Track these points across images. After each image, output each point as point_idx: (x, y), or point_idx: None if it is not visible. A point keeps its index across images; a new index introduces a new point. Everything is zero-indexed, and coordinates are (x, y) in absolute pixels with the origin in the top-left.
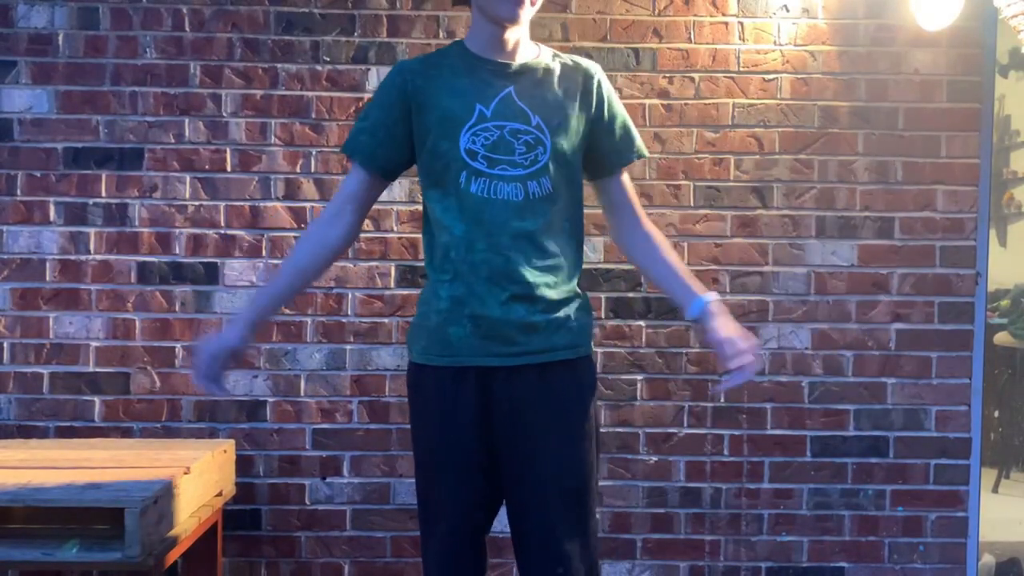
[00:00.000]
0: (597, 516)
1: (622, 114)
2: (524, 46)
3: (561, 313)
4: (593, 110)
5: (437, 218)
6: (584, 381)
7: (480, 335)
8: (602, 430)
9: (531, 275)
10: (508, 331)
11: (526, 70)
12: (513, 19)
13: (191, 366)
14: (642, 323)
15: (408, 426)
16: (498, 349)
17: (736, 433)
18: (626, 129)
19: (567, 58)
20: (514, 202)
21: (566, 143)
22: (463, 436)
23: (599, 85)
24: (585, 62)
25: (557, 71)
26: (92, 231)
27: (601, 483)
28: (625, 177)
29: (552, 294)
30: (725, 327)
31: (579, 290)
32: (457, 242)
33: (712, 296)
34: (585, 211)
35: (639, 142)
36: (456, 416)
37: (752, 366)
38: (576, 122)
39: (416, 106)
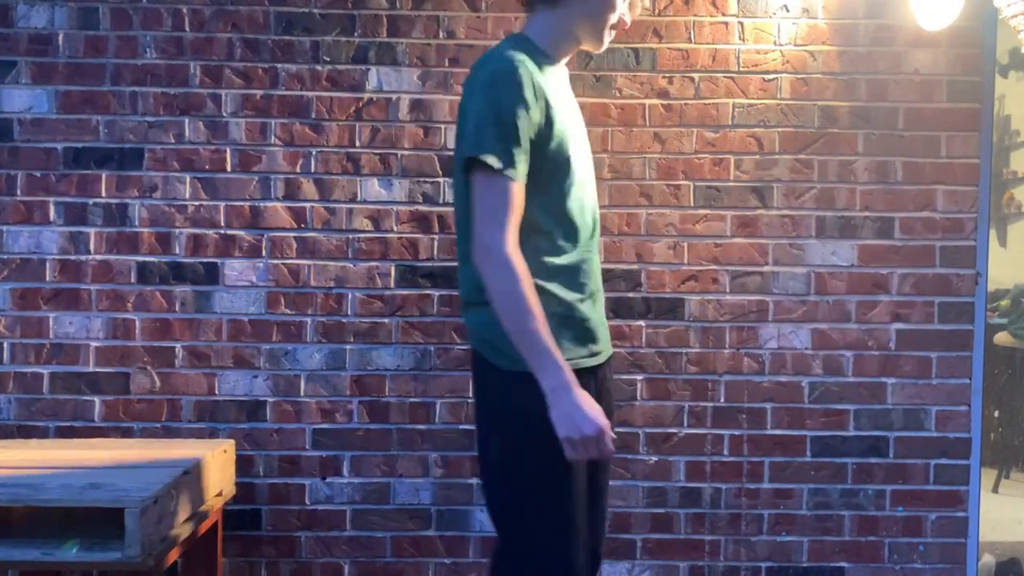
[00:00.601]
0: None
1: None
2: None
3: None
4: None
5: (553, 225)
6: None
7: (599, 337)
8: None
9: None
10: (605, 333)
11: (565, 81)
12: (597, 50)
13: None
14: (642, 323)
15: (409, 426)
16: (601, 348)
17: (736, 433)
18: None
19: None
20: (591, 206)
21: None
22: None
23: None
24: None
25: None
26: (92, 231)
27: None
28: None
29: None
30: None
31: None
32: (563, 247)
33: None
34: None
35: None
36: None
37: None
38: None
39: (544, 109)
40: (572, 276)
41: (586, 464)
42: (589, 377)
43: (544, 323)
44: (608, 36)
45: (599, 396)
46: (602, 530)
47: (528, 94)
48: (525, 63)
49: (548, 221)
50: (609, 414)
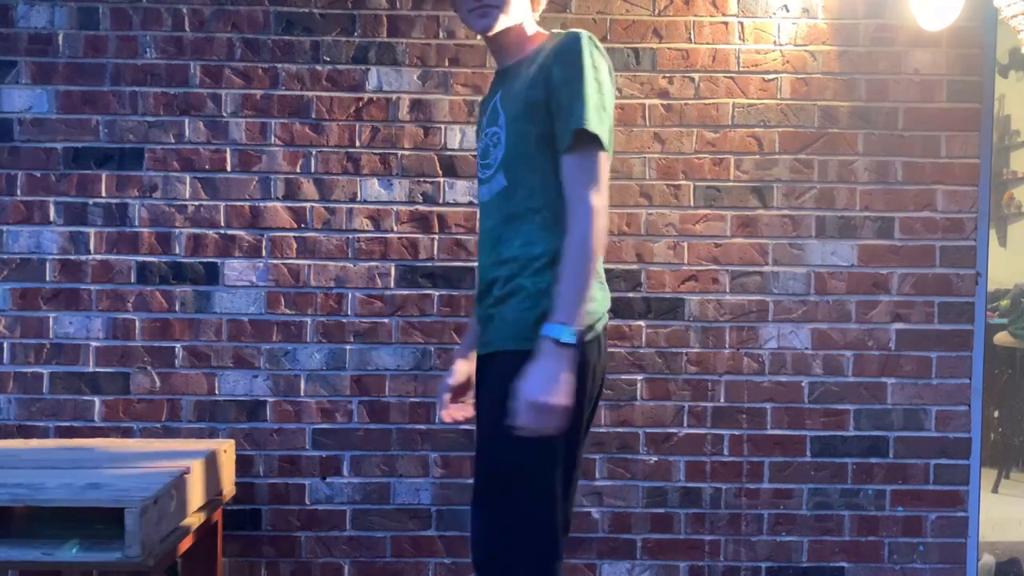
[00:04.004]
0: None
1: (569, 89)
2: (523, 44)
3: (507, 304)
4: (543, 89)
5: None
6: (500, 377)
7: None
8: (601, 430)
9: (487, 271)
10: (481, 324)
11: (512, 69)
12: (487, 29)
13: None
14: (642, 323)
15: (409, 426)
16: (480, 340)
17: (736, 433)
18: (564, 109)
19: (558, 38)
20: (485, 202)
21: (517, 131)
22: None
23: (553, 59)
24: (558, 36)
25: (535, 57)
26: (92, 231)
27: (601, 483)
28: (566, 160)
29: (500, 289)
30: (524, 373)
31: (537, 280)
32: None
33: (549, 331)
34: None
35: (573, 118)
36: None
37: (518, 422)
38: (526, 108)
39: None
40: None
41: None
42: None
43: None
44: (471, 17)
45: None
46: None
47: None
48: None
49: None
50: (489, 405)
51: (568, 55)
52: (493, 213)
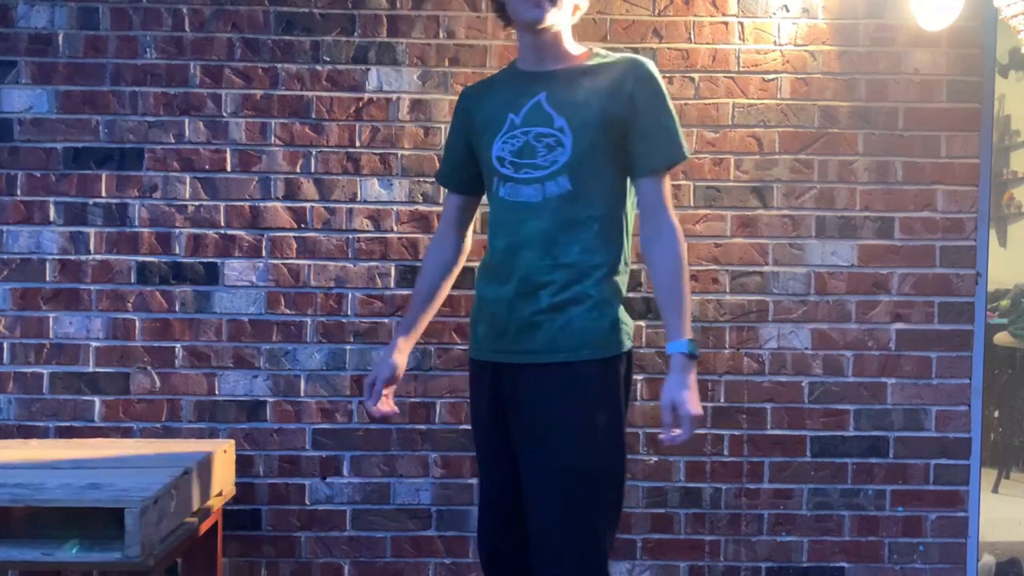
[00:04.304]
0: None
1: (657, 116)
2: (565, 50)
3: (567, 312)
4: (625, 109)
5: (489, 225)
6: (584, 384)
7: (494, 333)
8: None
9: (539, 273)
10: (512, 330)
11: (562, 74)
12: (537, 20)
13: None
14: (642, 323)
15: (409, 426)
16: (505, 347)
17: (736, 433)
18: (658, 133)
19: (616, 56)
20: (533, 203)
21: (588, 141)
22: (482, 425)
23: (634, 83)
24: (629, 59)
25: (598, 72)
26: (92, 231)
27: None
28: (652, 182)
29: (555, 295)
30: (675, 388)
31: (601, 290)
32: (490, 245)
33: (681, 348)
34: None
35: (671, 149)
36: (479, 405)
37: (680, 438)
38: (603, 121)
39: (468, 125)
40: None
41: None
42: None
43: (405, 320)
44: (520, 4)
45: None
46: (537, 548)
47: (452, 123)
48: (464, 93)
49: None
50: (555, 416)
51: (650, 82)
52: (544, 215)
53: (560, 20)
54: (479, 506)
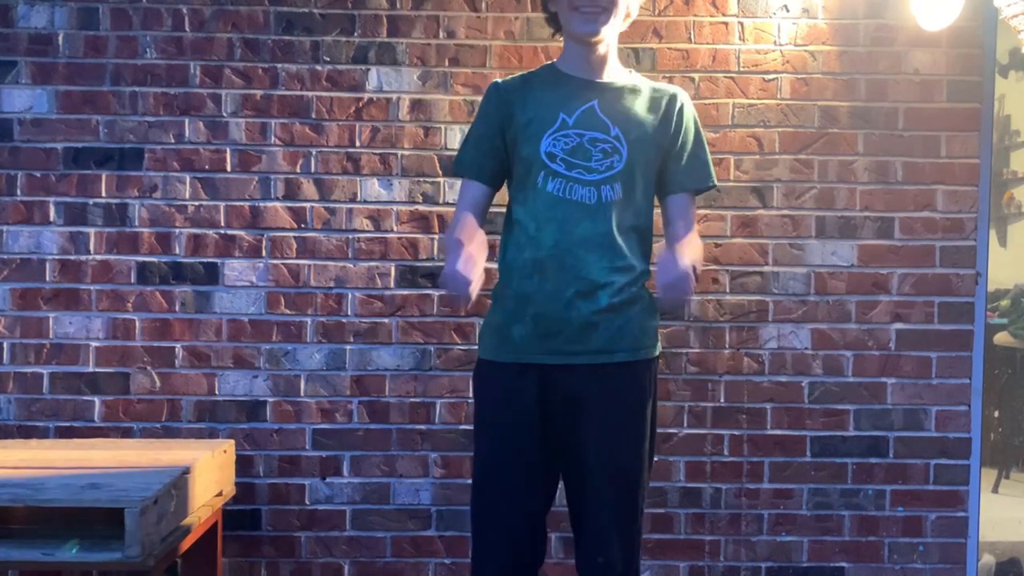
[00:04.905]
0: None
1: (695, 145)
2: (612, 66)
3: (624, 314)
4: (671, 133)
5: (517, 219)
6: (640, 384)
7: (540, 334)
8: None
9: (598, 274)
10: (569, 330)
11: (612, 87)
12: (592, 33)
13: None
14: None
15: (409, 426)
16: (558, 347)
17: (736, 433)
18: (695, 161)
19: (657, 84)
20: (588, 204)
21: (641, 155)
22: (523, 429)
23: (680, 111)
24: (673, 88)
25: (644, 92)
26: (92, 231)
27: None
28: (683, 197)
29: (615, 296)
30: (672, 256)
31: (647, 293)
32: (530, 240)
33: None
34: None
35: (704, 175)
36: (518, 409)
37: (682, 286)
38: (653, 139)
39: (508, 117)
40: None
41: None
42: None
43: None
44: (575, 17)
45: None
46: (591, 536)
47: (483, 112)
48: (500, 85)
49: None
50: (615, 414)
51: (694, 118)
52: (600, 218)
53: (612, 34)
54: (491, 518)
